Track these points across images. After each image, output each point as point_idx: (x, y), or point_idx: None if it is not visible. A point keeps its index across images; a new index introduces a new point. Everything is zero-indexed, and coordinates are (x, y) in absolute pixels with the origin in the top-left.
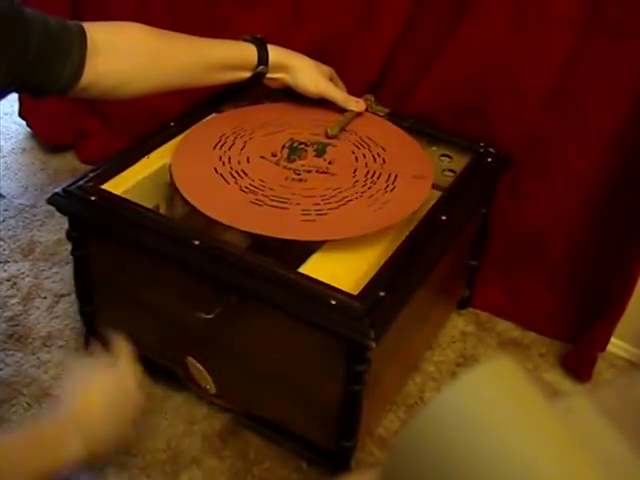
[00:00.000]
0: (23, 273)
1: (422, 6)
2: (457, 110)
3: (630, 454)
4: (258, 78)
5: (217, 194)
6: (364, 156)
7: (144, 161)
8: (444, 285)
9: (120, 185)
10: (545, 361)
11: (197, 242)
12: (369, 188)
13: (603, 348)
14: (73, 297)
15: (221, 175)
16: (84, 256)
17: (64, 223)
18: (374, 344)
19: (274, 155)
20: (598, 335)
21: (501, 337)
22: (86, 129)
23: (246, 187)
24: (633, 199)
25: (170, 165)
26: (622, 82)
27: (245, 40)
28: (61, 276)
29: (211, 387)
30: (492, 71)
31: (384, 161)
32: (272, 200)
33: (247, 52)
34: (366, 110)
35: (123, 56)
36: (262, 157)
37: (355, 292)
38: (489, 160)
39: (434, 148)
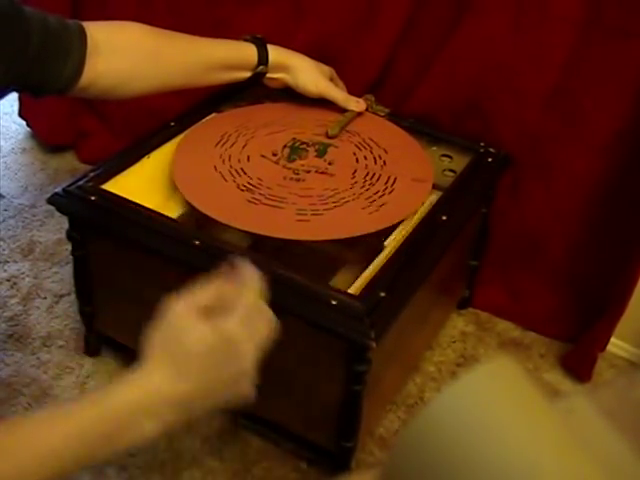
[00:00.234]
0: (23, 273)
1: (422, 6)
2: (457, 110)
3: (630, 454)
4: (258, 78)
5: (215, 192)
6: (365, 158)
7: (144, 161)
8: (444, 285)
9: (120, 185)
10: (545, 361)
11: (197, 242)
12: (367, 190)
13: (603, 348)
14: (73, 297)
15: (220, 173)
16: (84, 256)
17: (64, 223)
18: (374, 344)
19: (275, 154)
20: (598, 335)
21: (501, 337)
22: (86, 129)
23: (244, 185)
24: (633, 199)
25: (171, 162)
26: (622, 82)
27: (245, 40)
28: (61, 276)
29: None
30: (492, 71)
31: (385, 163)
32: (268, 199)
33: (247, 52)
34: (366, 110)
35: (123, 55)
36: (263, 156)
37: (355, 292)
38: (489, 160)
39: (434, 148)
